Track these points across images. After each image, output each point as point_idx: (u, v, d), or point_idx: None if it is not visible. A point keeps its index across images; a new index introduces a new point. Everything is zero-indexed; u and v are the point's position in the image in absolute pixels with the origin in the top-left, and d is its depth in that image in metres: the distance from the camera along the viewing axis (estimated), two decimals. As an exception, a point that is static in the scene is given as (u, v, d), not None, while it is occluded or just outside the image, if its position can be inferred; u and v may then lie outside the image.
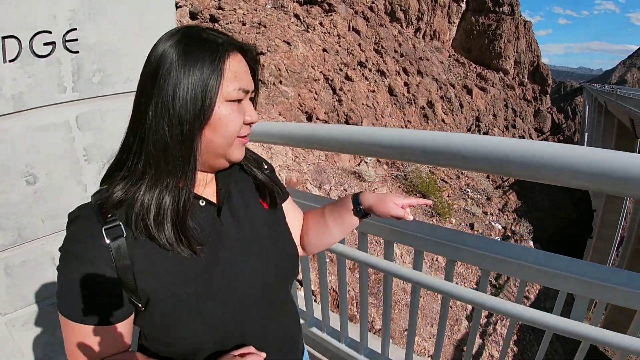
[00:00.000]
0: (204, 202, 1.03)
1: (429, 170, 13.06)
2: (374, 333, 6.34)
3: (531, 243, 13.90)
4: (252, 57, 1.04)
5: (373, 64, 19.41)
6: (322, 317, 2.44)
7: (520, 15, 31.77)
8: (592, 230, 25.73)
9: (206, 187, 1.07)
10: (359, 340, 2.29)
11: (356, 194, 1.34)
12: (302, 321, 2.55)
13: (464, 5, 31.93)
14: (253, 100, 1.08)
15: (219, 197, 1.08)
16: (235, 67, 0.95)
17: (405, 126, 16.73)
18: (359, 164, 10.97)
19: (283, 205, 1.32)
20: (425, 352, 7.38)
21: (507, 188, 18.37)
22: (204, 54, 0.90)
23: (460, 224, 12.01)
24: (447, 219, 11.43)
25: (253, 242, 1.09)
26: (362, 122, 13.77)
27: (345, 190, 9.25)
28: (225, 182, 1.10)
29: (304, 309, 2.56)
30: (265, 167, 1.29)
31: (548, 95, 30.47)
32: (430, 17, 28.53)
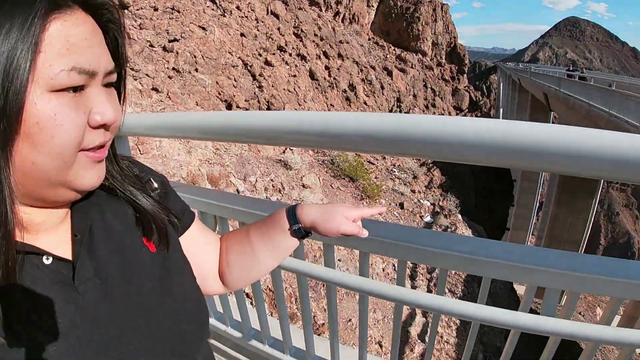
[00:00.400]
0: (50, 260, 0.62)
1: (355, 153, 13.08)
2: (317, 329, 6.18)
3: (459, 216, 14.30)
4: (109, 18, 0.67)
5: (293, 48, 19.13)
6: (261, 327, 2.15)
7: (438, -1, 32.65)
8: (514, 199, 27.38)
9: (54, 232, 0.67)
10: (305, 349, 2.04)
11: (291, 207, 0.98)
12: (239, 335, 2.26)
13: (382, -11, 32.31)
14: (117, 88, 0.70)
15: (74, 247, 0.67)
16: (68, 32, 0.56)
17: (329, 110, 16.74)
18: (284, 152, 10.72)
19: (184, 235, 0.94)
20: (371, 339, 7.38)
21: (430, 165, 18.90)
22: (11, 11, 0.52)
23: (390, 204, 12.16)
24: (377, 200, 11.51)
25: (131, 313, 0.69)
26: (284, 107, 13.53)
27: (272, 180, 8.98)
28: (83, 222, 0.69)
29: (239, 320, 2.26)
30: (155, 185, 0.88)
31: (465, 75, 31.61)
32: (350, 1, 28.58)
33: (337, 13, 27.43)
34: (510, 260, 1.17)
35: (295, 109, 14.21)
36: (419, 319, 9.69)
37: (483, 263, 1.20)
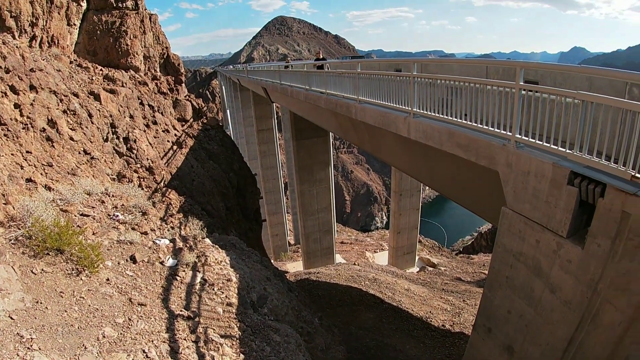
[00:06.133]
0: None
1: (59, 209, 10.60)
2: None
3: (208, 241, 12.84)
4: None
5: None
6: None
7: (145, 9, 30.31)
8: (259, 191, 28.56)
9: None
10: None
11: None
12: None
13: (84, 4, 28.32)
14: None
15: None
16: None
17: (25, 159, 13.67)
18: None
19: None
20: None
21: (164, 189, 17.33)
22: None
23: (118, 263, 9.87)
24: (97, 270, 8.79)
25: None
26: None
27: None
28: None
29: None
30: None
31: (184, 84, 30.46)
32: (47, 22, 24.47)
33: (33, 37, 23.14)
34: None
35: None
36: None
37: None
